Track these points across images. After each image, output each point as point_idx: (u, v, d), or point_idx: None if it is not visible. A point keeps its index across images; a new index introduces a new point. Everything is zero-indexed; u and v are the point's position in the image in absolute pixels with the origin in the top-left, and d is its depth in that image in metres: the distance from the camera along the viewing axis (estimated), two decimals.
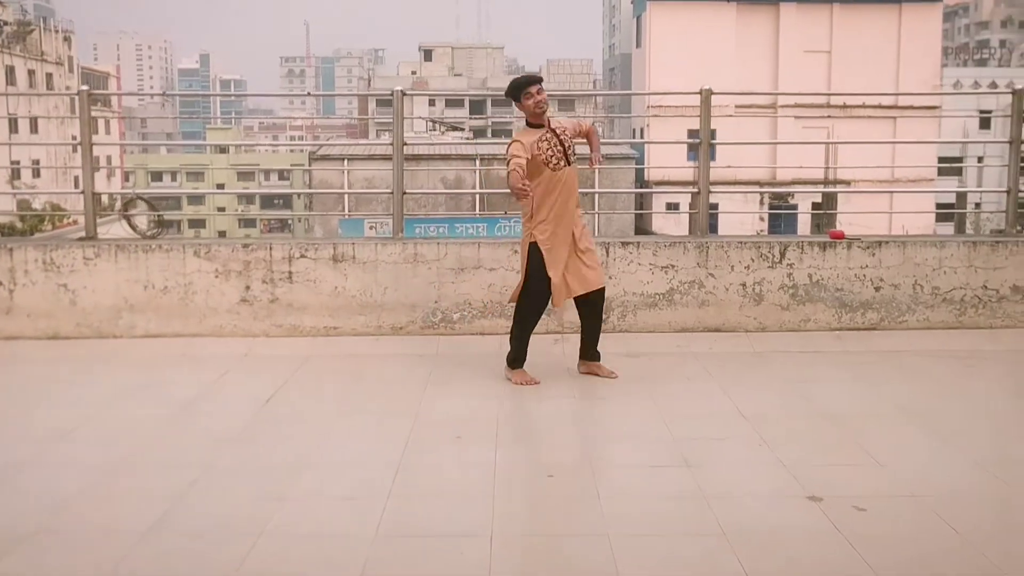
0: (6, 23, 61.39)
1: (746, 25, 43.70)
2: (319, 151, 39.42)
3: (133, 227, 7.83)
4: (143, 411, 5.70)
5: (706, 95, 7.65)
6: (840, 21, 43.86)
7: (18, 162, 54.55)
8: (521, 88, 6.04)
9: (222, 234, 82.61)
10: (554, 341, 7.29)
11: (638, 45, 46.75)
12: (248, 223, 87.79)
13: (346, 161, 38.74)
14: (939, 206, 45.00)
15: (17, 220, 42.06)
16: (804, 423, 5.48)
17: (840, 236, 7.55)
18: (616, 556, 3.75)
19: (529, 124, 6.12)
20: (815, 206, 40.15)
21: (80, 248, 7.37)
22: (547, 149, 6.02)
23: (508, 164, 5.93)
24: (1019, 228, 7.95)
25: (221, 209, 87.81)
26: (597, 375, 6.41)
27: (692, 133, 32.50)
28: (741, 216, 37.47)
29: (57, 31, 69.10)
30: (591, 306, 6.32)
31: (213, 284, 7.38)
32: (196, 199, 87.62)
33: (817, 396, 5.99)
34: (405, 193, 7.83)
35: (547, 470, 4.72)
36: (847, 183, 39.18)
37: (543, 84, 6.10)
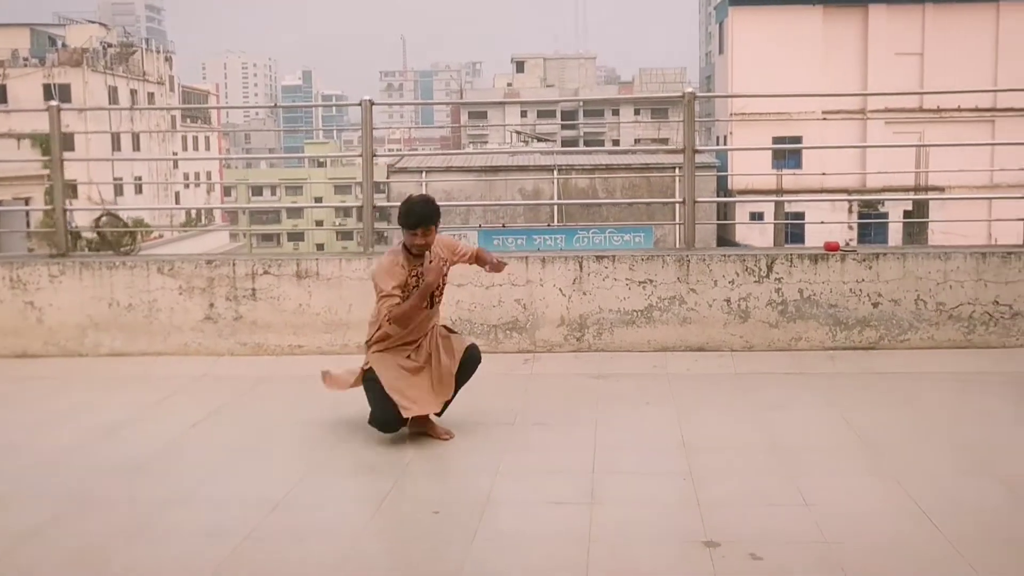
0: (110, 45, 63.44)
1: (833, 28, 42.27)
2: (397, 163, 39.60)
3: (108, 242, 7.73)
4: (62, 438, 5.53)
5: (689, 99, 7.18)
6: (933, 22, 42.09)
7: (120, 178, 56.38)
8: (409, 225, 5.14)
9: (320, 247, 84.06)
10: (523, 361, 6.92)
11: (721, 52, 45.77)
12: (346, 236, 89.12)
13: (424, 173, 38.94)
14: None
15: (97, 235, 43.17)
16: (747, 456, 5.00)
17: (835, 248, 7.00)
18: None
19: (407, 247, 5.22)
20: (907, 214, 38.63)
21: (46, 265, 7.29)
22: (415, 287, 5.19)
23: (380, 304, 5.10)
24: None
25: (319, 223, 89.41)
26: (429, 434, 5.34)
27: (777, 140, 31.55)
28: (829, 225, 36.34)
29: (159, 52, 71.26)
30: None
31: (177, 301, 7.22)
32: (295, 212, 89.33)
33: (778, 425, 5.49)
34: (375, 208, 7.54)
35: (436, 505, 4.36)
36: (940, 189, 37.61)
37: (438, 224, 5.21)
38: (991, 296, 6.87)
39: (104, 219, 7.92)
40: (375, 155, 7.51)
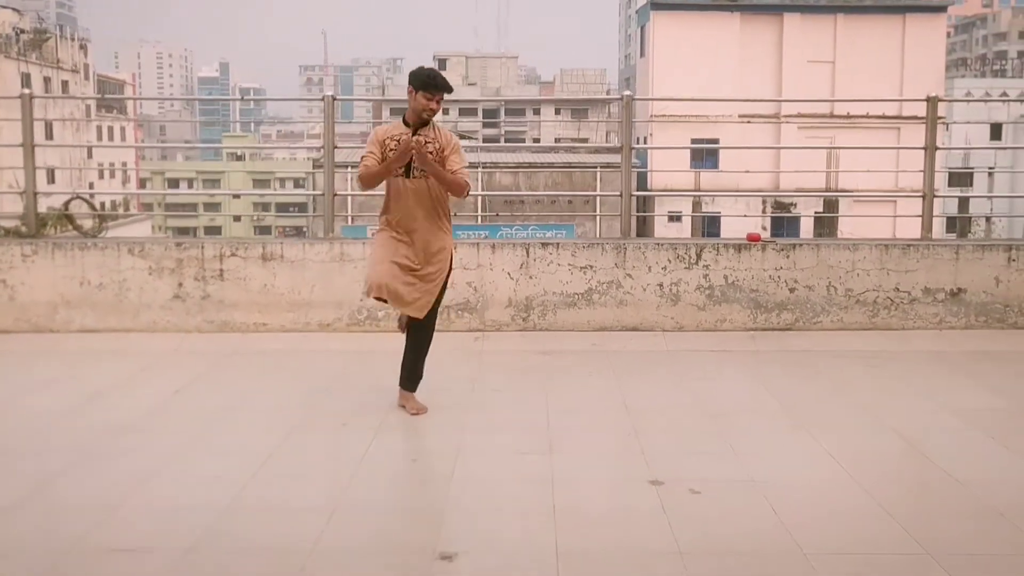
0: (23, 31, 62.07)
1: (750, 35, 43.77)
2: (322, 158, 39.73)
3: (76, 227, 8.10)
4: (48, 403, 5.96)
5: (627, 101, 7.86)
6: (844, 31, 43.87)
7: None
8: (427, 85, 5.38)
9: None
10: (474, 339, 7.52)
11: (642, 55, 46.94)
12: (263, 230, 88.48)
13: (349, 168, 39.10)
14: (950, 216, 44.92)
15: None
16: (682, 416, 5.68)
17: (756, 239, 7.74)
18: (440, 531, 3.98)
19: (404, 119, 5.56)
20: (817, 215, 40.15)
21: (19, 246, 7.66)
22: (394, 150, 5.44)
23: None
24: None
25: (237, 219, 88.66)
26: (403, 407, 5.71)
27: (696, 141, 32.57)
28: (743, 223, 37.64)
29: (73, 39, 69.85)
30: (413, 330, 5.78)
31: (147, 281, 7.65)
32: (212, 206, 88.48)
33: (708, 392, 6.19)
34: (336, 195, 8.06)
35: (413, 455, 4.95)
36: (849, 192, 39.18)
37: (444, 98, 5.45)
38: (893, 283, 7.69)
39: (73, 202, 8.29)
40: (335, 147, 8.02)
